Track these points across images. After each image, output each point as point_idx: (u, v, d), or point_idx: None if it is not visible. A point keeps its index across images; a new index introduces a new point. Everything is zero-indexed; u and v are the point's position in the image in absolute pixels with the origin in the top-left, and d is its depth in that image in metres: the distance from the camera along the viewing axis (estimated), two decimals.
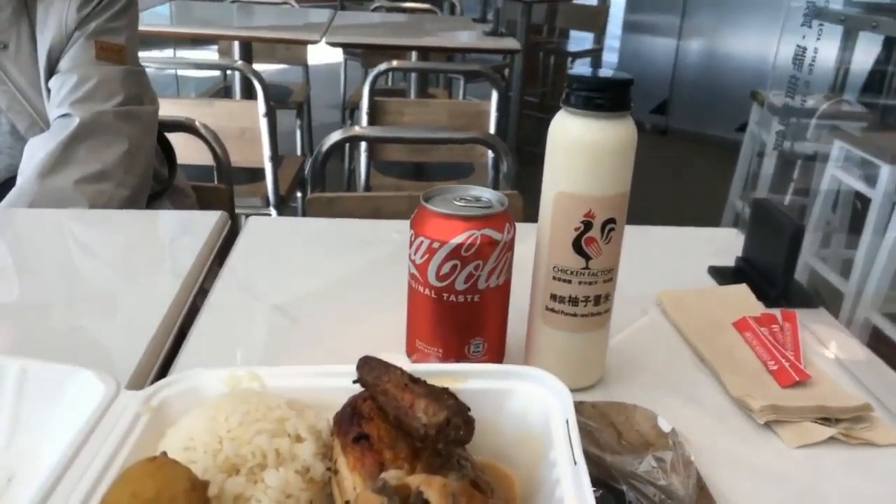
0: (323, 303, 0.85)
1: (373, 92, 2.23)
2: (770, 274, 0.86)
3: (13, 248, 0.98)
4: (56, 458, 0.47)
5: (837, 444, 0.63)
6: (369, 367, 0.49)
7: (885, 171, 2.42)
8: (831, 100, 2.82)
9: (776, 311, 0.80)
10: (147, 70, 1.26)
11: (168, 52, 4.66)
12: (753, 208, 0.91)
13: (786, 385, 0.68)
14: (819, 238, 2.82)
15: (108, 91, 1.14)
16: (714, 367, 0.71)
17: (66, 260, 0.94)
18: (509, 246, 0.65)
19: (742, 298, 0.83)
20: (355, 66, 4.18)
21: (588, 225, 0.61)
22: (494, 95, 2.26)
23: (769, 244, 0.87)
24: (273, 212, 2.34)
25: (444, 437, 0.45)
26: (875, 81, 3.04)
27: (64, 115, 1.11)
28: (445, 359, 0.67)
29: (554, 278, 0.64)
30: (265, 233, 1.04)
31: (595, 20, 5.24)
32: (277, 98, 3.22)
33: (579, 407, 0.61)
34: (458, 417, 0.45)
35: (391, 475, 0.44)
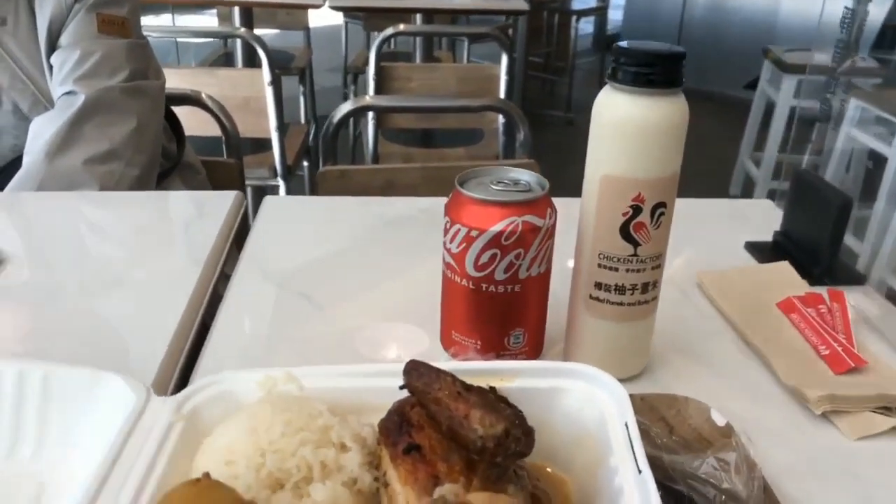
0: (349, 288, 0.81)
1: (379, 57, 2.17)
2: (813, 249, 0.82)
3: (22, 232, 0.94)
4: (89, 474, 0.45)
5: None
6: (418, 374, 0.46)
7: None
8: (846, 57, 2.75)
9: (822, 290, 0.76)
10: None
11: (166, 18, 4.56)
12: (794, 179, 0.87)
13: (840, 372, 0.65)
14: None
15: (113, 66, 1.10)
16: (762, 353, 0.68)
17: (79, 246, 0.91)
18: (551, 232, 0.62)
19: (785, 277, 0.80)
20: (356, 28, 4.09)
21: (637, 209, 0.58)
22: (504, 59, 2.19)
23: (811, 218, 0.84)
24: (281, 183, 2.30)
25: (504, 450, 0.42)
26: (888, 36, 2.97)
27: (68, 93, 1.07)
28: (484, 351, 0.64)
29: (599, 266, 0.61)
30: (283, 213, 1.01)
31: None
32: (279, 64, 3.14)
33: None
34: (517, 429, 0.42)
35: (448, 490, 0.41)
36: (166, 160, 1.26)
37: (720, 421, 0.58)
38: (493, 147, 2.38)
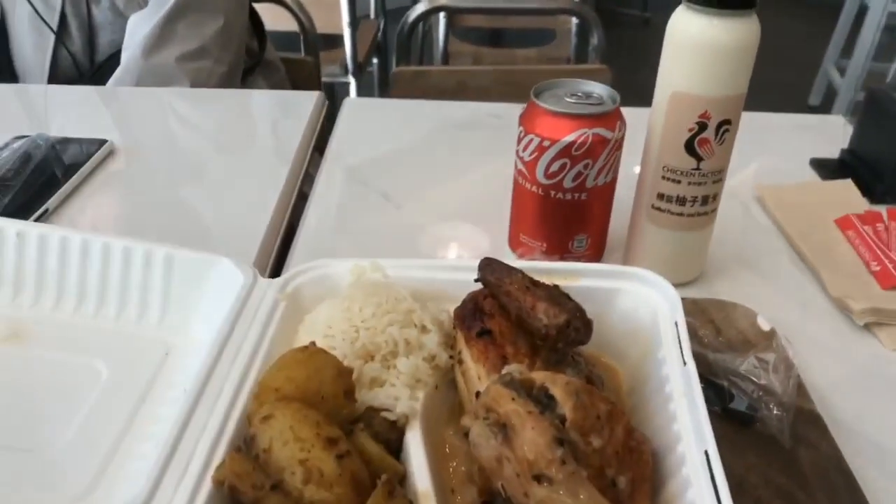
0: (423, 188, 0.87)
1: None
2: (878, 168, 0.84)
3: (126, 125, 1.02)
4: (210, 340, 0.53)
5: None
6: (492, 269, 0.52)
7: None
8: None
9: (882, 209, 0.79)
10: None
11: None
12: (867, 97, 0.87)
13: (888, 287, 0.68)
14: None
15: None
16: (814, 266, 0.72)
17: (174, 139, 0.99)
18: (619, 144, 0.65)
19: (846, 194, 0.82)
20: None
21: (703, 126, 0.61)
22: None
23: (881, 137, 0.85)
24: (351, 80, 2.34)
25: (564, 337, 0.48)
26: None
27: None
28: (549, 253, 0.69)
29: (663, 178, 0.64)
30: (362, 114, 1.06)
31: None
32: None
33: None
34: (577, 320, 0.49)
35: (514, 369, 0.48)
36: (249, 57, 1.31)
37: (765, 326, 0.63)
38: (564, 49, 2.34)
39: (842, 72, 3.16)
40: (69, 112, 1.04)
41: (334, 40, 2.35)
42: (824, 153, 0.92)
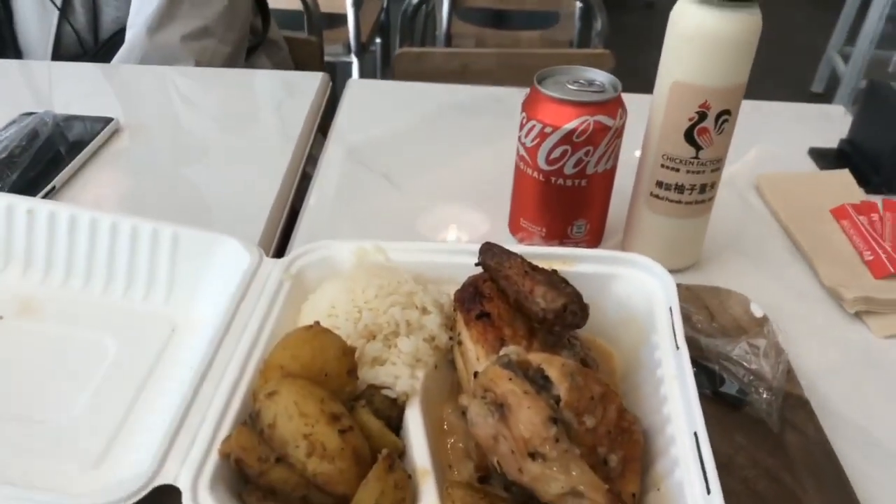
0: (425, 171, 0.88)
1: None
2: (875, 159, 0.85)
3: (130, 102, 1.03)
4: (216, 318, 0.55)
5: None
6: (492, 253, 0.54)
7: None
8: None
9: (878, 199, 0.80)
10: None
11: None
12: (867, 89, 0.88)
13: (880, 276, 0.70)
14: None
15: None
16: (808, 255, 0.73)
17: (178, 118, 1.00)
18: (620, 132, 0.67)
19: (842, 184, 0.83)
20: None
21: (702, 115, 0.62)
22: None
23: (879, 128, 0.86)
24: (354, 59, 2.34)
25: (561, 320, 0.50)
26: None
27: None
28: (548, 238, 0.71)
29: (662, 166, 0.66)
30: (365, 96, 1.07)
31: None
32: None
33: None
34: (574, 305, 0.50)
35: (512, 350, 0.49)
36: (253, 36, 1.31)
37: (758, 312, 0.65)
38: (568, 31, 2.34)
39: (846, 59, 3.15)
40: (73, 89, 1.05)
41: (338, 20, 2.34)
42: (824, 143, 0.93)
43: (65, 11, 1.18)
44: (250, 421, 0.45)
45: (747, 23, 0.59)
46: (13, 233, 0.62)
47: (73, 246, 0.62)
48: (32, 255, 0.62)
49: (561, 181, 0.67)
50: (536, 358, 0.47)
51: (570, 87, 0.66)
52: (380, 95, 1.09)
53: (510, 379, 0.45)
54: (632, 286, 0.58)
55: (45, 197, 0.77)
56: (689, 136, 0.63)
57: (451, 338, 0.54)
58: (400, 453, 0.47)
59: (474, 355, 0.51)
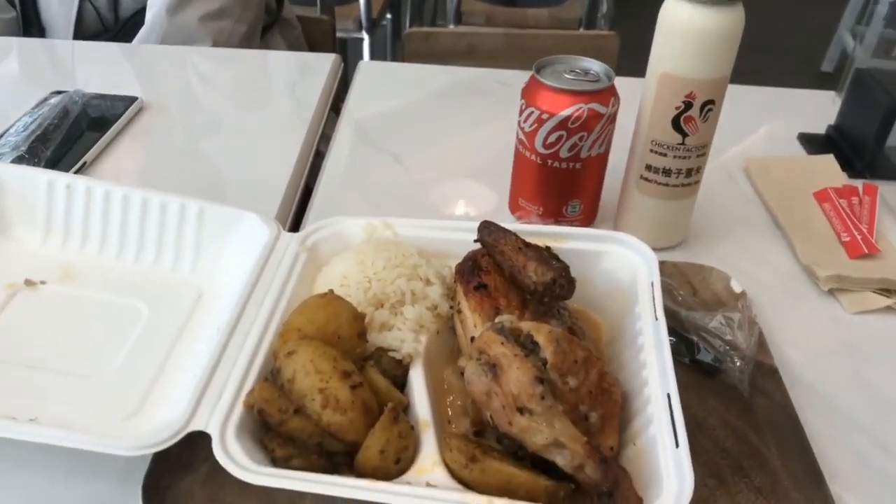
0: (432, 151, 0.93)
1: None
2: (859, 145, 0.89)
3: (152, 82, 1.08)
4: (238, 287, 0.60)
5: (893, 313, 0.70)
6: (489, 231, 0.59)
7: None
8: None
9: (859, 184, 0.84)
10: None
11: None
12: (854, 77, 0.92)
13: (854, 256, 0.75)
14: None
15: None
16: (789, 235, 0.78)
17: (197, 97, 1.05)
18: (612, 118, 0.71)
19: (827, 168, 0.88)
20: None
21: (688, 105, 0.67)
22: None
23: (863, 115, 0.90)
24: (365, 36, 2.37)
25: (550, 293, 0.55)
26: None
27: None
28: (545, 216, 0.76)
29: (651, 151, 0.70)
30: (375, 78, 1.11)
31: None
32: None
33: (662, 266, 0.69)
34: (562, 279, 0.55)
35: (506, 319, 0.55)
36: (267, 15, 1.36)
37: (737, 288, 0.70)
38: (576, 10, 2.36)
39: (857, 39, 3.14)
40: (97, 68, 1.10)
41: None
42: (814, 128, 0.97)
43: None
44: (271, 377, 0.51)
45: (731, 18, 0.63)
46: (54, 206, 0.68)
47: (108, 219, 0.68)
48: (71, 226, 0.68)
49: (557, 164, 0.72)
50: (526, 325, 0.53)
51: (566, 76, 0.71)
52: (390, 77, 1.14)
53: (502, 343, 0.50)
54: (618, 262, 0.63)
55: (76, 172, 0.82)
56: (675, 124, 0.68)
57: (451, 306, 0.60)
58: (404, 407, 0.53)
59: (472, 322, 0.57)
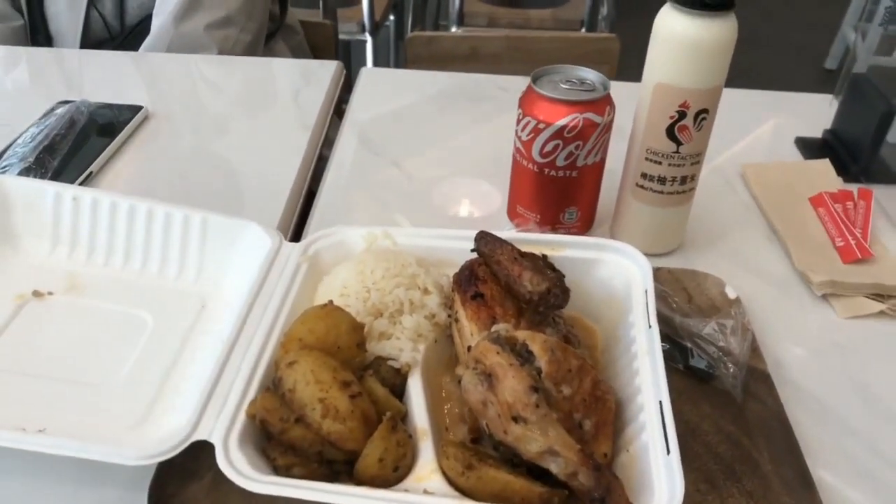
0: (433, 158, 0.95)
1: None
2: (854, 149, 0.90)
3: (158, 90, 1.10)
4: (241, 296, 0.62)
5: (886, 318, 0.71)
6: (486, 241, 0.60)
7: None
8: None
9: (854, 188, 0.85)
10: None
11: None
12: (850, 82, 0.93)
13: (848, 261, 0.75)
14: None
15: None
16: (784, 240, 0.79)
17: (203, 104, 1.06)
18: (608, 127, 0.72)
19: (822, 173, 0.89)
20: None
21: (682, 114, 0.68)
22: None
23: (858, 120, 0.91)
24: (368, 38, 2.39)
25: (545, 302, 0.56)
26: None
27: None
28: (542, 224, 0.77)
29: (646, 159, 0.71)
30: (378, 84, 1.13)
31: None
32: None
33: (657, 273, 0.70)
34: (557, 288, 0.56)
35: (501, 328, 0.56)
36: (271, 22, 1.37)
37: (731, 294, 0.71)
38: (578, 10, 2.37)
39: (861, 36, 3.13)
40: (103, 77, 1.12)
41: None
42: (811, 132, 0.98)
43: None
44: (273, 386, 0.53)
45: (725, 30, 0.64)
46: (61, 218, 0.69)
47: (114, 230, 0.69)
48: (77, 237, 0.70)
49: (553, 172, 0.73)
50: (522, 334, 0.54)
51: (562, 86, 0.72)
52: (392, 83, 1.15)
53: (498, 353, 0.51)
54: (613, 270, 0.64)
55: (83, 182, 0.84)
56: (670, 133, 0.69)
57: (449, 315, 0.61)
58: (402, 416, 0.55)
59: (469, 331, 0.58)
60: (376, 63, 2.48)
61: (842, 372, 0.66)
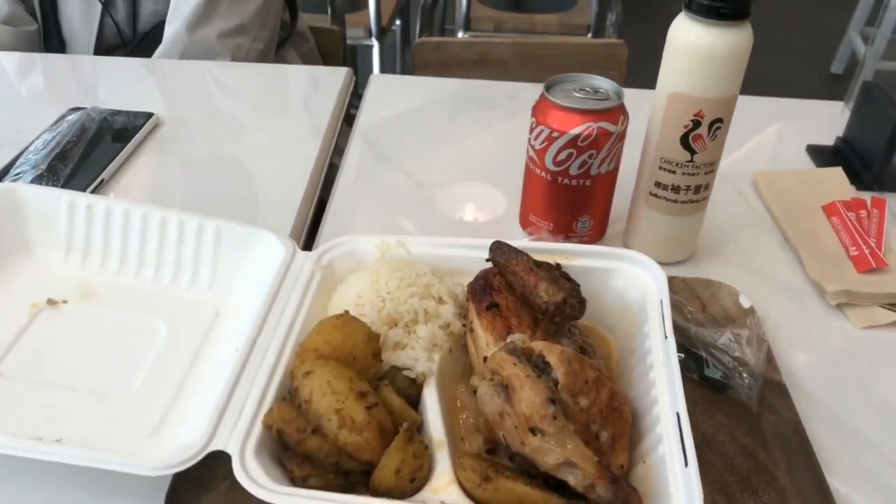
0: (443, 166, 0.95)
1: None
2: (867, 157, 0.90)
3: (171, 97, 1.10)
4: (255, 305, 0.62)
5: None
6: (501, 251, 0.60)
7: None
8: None
9: (867, 197, 0.85)
10: None
11: None
12: (862, 89, 0.93)
13: (862, 271, 0.75)
14: None
15: None
16: (797, 250, 0.79)
17: (216, 111, 1.06)
18: (621, 136, 0.72)
19: (835, 181, 0.88)
20: None
21: (697, 123, 0.67)
22: None
23: (871, 127, 0.90)
24: (375, 43, 2.39)
25: (561, 312, 0.56)
26: None
27: None
28: (555, 232, 0.77)
29: (660, 168, 0.71)
30: (387, 90, 1.13)
31: None
32: None
33: (671, 282, 0.70)
34: (573, 298, 0.56)
35: (517, 338, 0.56)
36: (282, 30, 1.38)
37: (746, 304, 0.71)
38: (585, 15, 2.37)
39: (866, 41, 3.12)
40: (117, 83, 1.12)
41: (359, 2, 2.39)
42: (822, 140, 0.98)
43: (107, 5, 1.25)
44: (289, 396, 0.53)
45: (740, 38, 0.64)
46: (74, 226, 0.69)
47: (127, 238, 0.69)
48: (91, 246, 0.70)
49: (566, 181, 0.73)
50: (538, 345, 0.54)
51: (576, 94, 0.72)
52: (401, 90, 1.15)
53: (514, 364, 0.51)
54: (628, 280, 0.64)
55: (94, 189, 0.84)
56: (684, 142, 0.69)
57: (464, 325, 0.61)
58: (418, 427, 0.54)
59: (484, 341, 0.58)
60: (383, 68, 2.48)
61: (857, 382, 0.66)
